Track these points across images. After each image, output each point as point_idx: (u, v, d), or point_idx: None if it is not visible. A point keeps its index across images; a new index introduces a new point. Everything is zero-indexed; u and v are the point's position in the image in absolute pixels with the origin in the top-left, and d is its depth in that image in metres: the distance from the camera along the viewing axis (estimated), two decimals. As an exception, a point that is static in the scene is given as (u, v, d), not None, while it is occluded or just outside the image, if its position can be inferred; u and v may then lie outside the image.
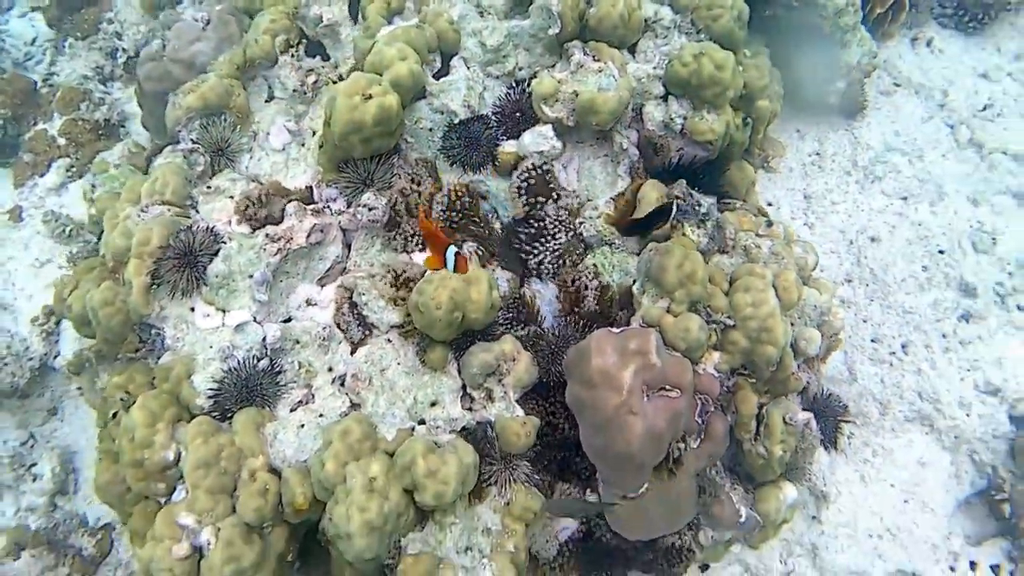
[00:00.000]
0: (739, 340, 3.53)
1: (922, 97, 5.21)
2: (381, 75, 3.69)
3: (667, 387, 3.28)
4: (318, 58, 4.45)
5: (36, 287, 5.11)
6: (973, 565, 4.16)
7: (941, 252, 4.65)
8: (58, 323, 4.98)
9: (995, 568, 4.19)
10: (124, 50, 5.78)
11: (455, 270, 3.16)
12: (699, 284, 3.47)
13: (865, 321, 4.57)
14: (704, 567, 4.12)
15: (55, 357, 4.95)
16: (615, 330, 3.38)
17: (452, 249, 3.13)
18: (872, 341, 4.54)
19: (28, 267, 5.17)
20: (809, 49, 4.63)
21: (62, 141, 5.51)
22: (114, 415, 3.68)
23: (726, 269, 3.75)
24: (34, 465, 4.89)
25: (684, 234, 3.77)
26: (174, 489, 3.49)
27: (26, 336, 4.93)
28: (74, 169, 5.45)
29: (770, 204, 4.84)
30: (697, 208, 3.74)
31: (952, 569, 4.13)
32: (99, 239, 4.71)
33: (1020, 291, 4.61)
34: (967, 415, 4.31)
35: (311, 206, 3.87)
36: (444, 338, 3.46)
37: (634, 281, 3.70)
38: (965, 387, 4.36)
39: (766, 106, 4.38)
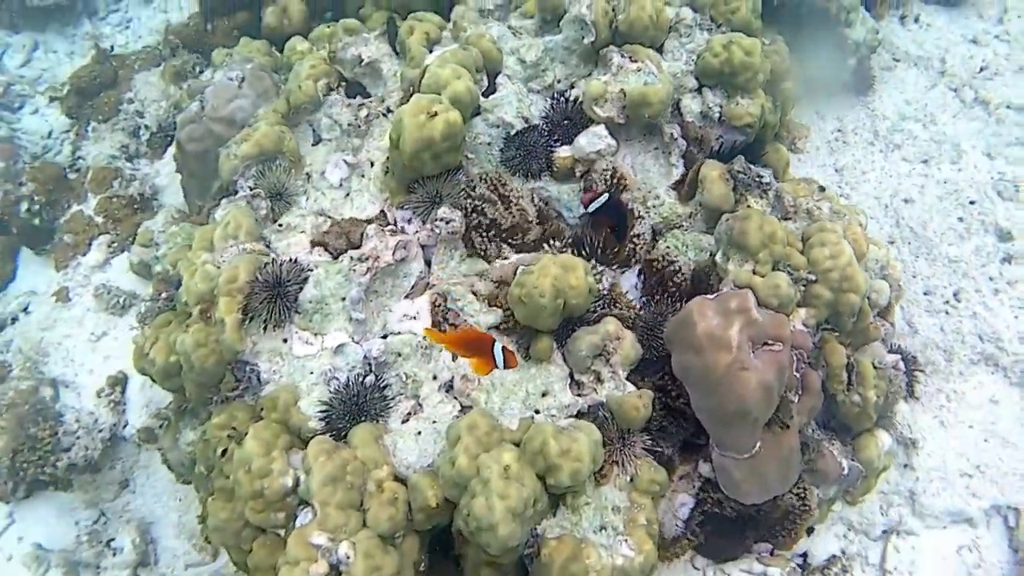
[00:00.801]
0: (822, 293, 3.67)
1: (922, 68, 5.55)
2: (439, 95, 3.86)
3: (769, 341, 3.40)
4: (358, 97, 4.62)
5: (95, 361, 5.10)
6: (1062, 492, 4.28)
7: (972, 203, 4.90)
8: (123, 392, 4.97)
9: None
10: (147, 127, 5.91)
11: (505, 365, 3.16)
12: (780, 244, 3.62)
13: (915, 276, 4.76)
14: (809, 530, 4.17)
15: (124, 427, 4.92)
16: (710, 297, 3.50)
17: (499, 345, 3.15)
18: (925, 294, 4.73)
19: (84, 343, 5.17)
20: (819, 32, 4.95)
21: (99, 219, 5.57)
22: (223, 453, 3.67)
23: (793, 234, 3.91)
24: (112, 540, 4.81)
25: (749, 205, 3.94)
26: (294, 518, 3.48)
27: (92, 409, 4.90)
28: (115, 244, 5.50)
29: (805, 181, 5.07)
30: (759, 179, 3.93)
31: (1044, 498, 4.25)
32: (166, 298, 4.74)
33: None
34: (1029, 350, 4.49)
35: (388, 227, 3.99)
36: (548, 327, 3.55)
37: (712, 254, 3.84)
38: (1021, 324, 4.55)
39: (791, 88, 4.63)
